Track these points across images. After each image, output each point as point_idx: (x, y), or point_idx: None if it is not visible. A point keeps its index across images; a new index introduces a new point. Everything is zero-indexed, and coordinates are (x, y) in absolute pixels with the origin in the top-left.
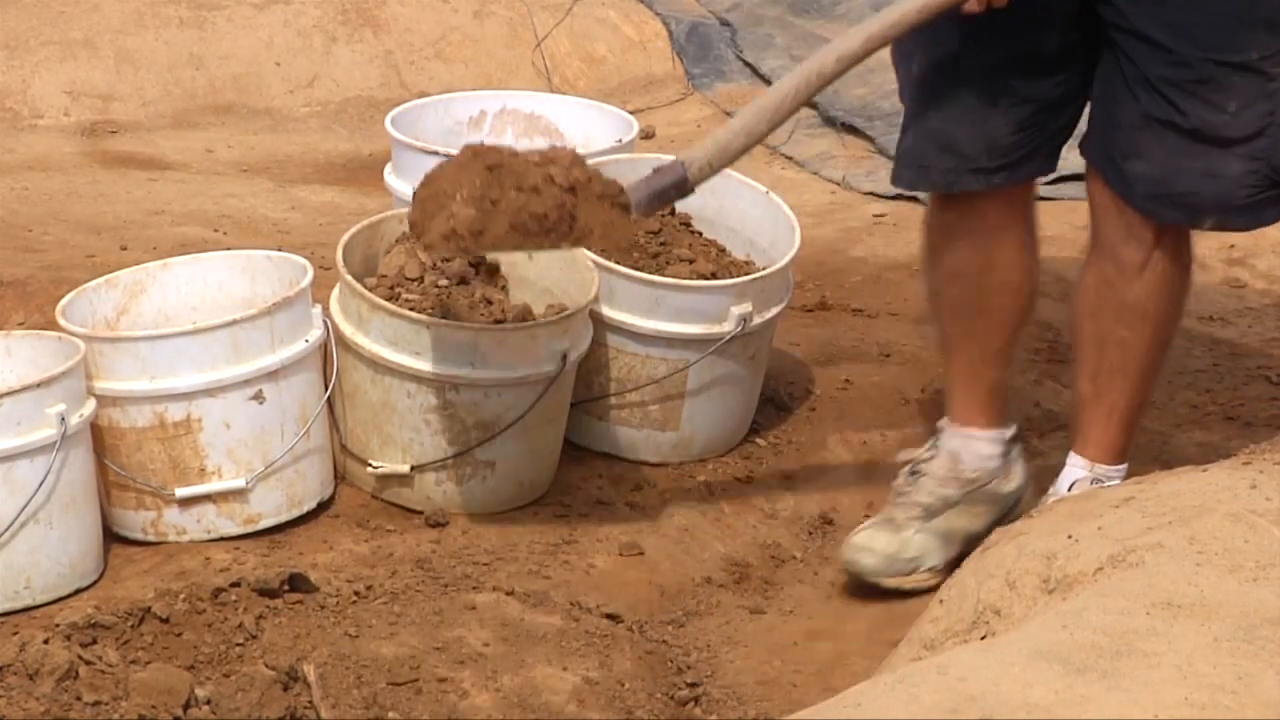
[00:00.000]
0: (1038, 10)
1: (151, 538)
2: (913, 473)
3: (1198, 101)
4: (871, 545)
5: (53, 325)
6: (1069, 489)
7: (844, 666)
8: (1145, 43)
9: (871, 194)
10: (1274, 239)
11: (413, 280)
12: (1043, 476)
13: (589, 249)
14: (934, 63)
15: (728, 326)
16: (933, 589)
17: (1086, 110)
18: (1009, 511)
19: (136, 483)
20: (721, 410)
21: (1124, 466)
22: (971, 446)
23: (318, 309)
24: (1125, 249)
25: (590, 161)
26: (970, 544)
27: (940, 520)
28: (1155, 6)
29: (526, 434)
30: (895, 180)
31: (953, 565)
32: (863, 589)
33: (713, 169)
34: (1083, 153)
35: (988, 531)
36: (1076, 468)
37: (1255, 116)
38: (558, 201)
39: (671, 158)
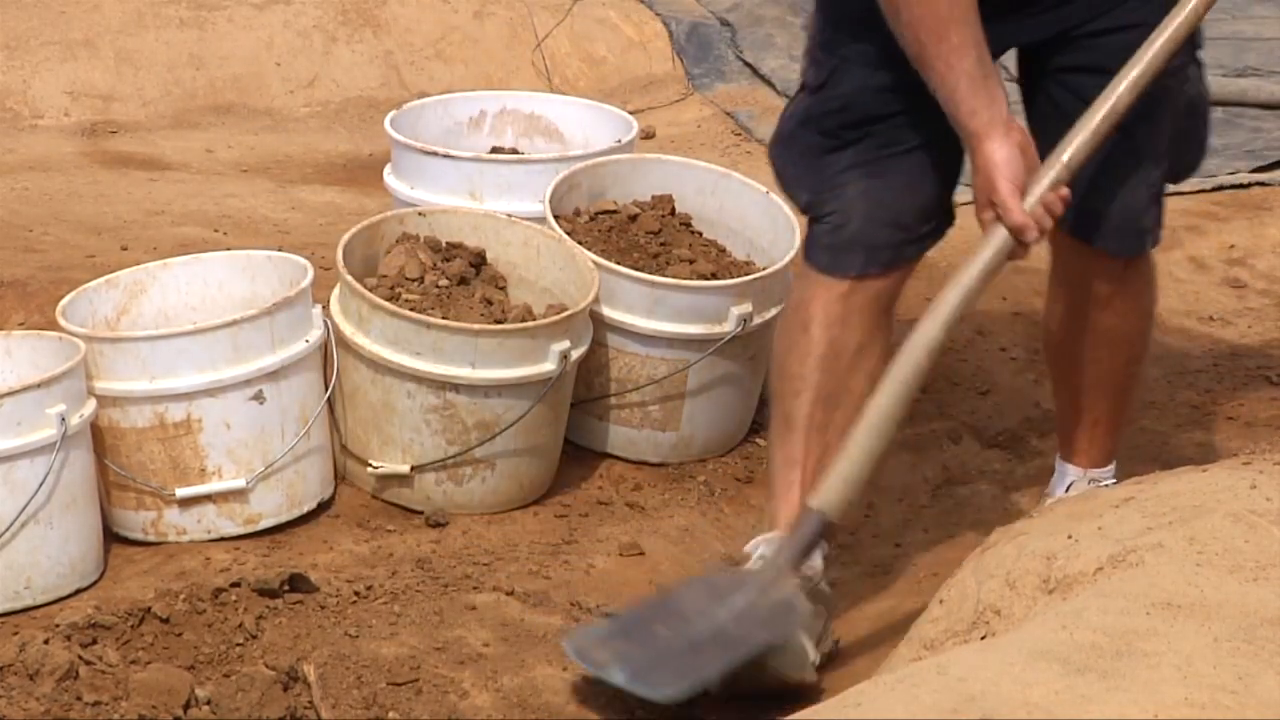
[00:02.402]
0: None
1: (151, 538)
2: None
3: (1144, 120)
4: None
5: (53, 325)
6: (1065, 491)
7: (844, 666)
8: (1099, 74)
9: None
10: (1274, 239)
11: (413, 280)
12: (1043, 476)
13: None
14: (878, 145)
15: (728, 326)
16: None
17: None
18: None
19: (136, 483)
20: (721, 410)
21: (1113, 466)
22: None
23: (318, 309)
24: (1094, 284)
25: (590, 162)
26: None
27: None
28: (1119, 34)
29: (526, 434)
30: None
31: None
32: None
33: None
34: None
35: None
36: (1069, 475)
37: (1172, 126)
38: None
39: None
